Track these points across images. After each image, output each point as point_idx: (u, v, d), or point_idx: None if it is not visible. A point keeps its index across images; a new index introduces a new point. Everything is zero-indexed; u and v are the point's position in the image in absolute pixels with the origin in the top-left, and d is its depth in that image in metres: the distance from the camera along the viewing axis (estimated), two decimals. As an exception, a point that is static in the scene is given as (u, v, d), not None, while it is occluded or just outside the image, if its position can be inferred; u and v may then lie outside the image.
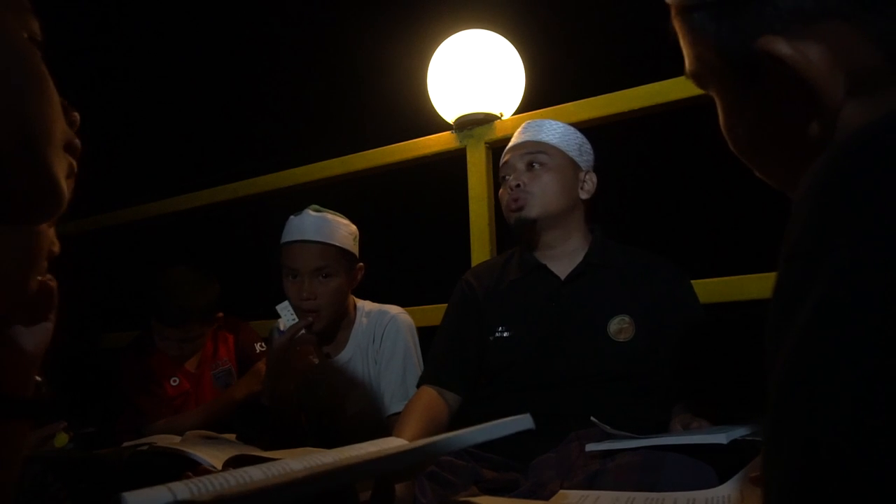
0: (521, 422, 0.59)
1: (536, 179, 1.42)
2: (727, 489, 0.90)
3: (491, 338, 1.42)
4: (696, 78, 0.57)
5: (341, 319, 1.72)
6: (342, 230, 1.66)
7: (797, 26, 0.47)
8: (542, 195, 1.41)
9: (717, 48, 0.52)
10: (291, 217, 1.67)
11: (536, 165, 1.43)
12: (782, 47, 0.47)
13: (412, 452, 0.49)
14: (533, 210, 1.41)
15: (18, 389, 0.84)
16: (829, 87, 0.46)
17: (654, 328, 1.34)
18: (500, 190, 1.49)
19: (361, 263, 1.73)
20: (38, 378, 0.87)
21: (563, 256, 1.44)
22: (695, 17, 0.53)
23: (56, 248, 0.82)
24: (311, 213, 1.64)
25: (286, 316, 1.55)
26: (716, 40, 0.52)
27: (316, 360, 1.58)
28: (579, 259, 1.43)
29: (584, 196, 1.46)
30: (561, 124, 1.49)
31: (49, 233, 0.80)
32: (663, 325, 1.35)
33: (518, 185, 1.42)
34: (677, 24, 0.56)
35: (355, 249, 1.70)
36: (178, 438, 1.61)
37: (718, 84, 0.55)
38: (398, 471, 0.64)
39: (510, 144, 1.52)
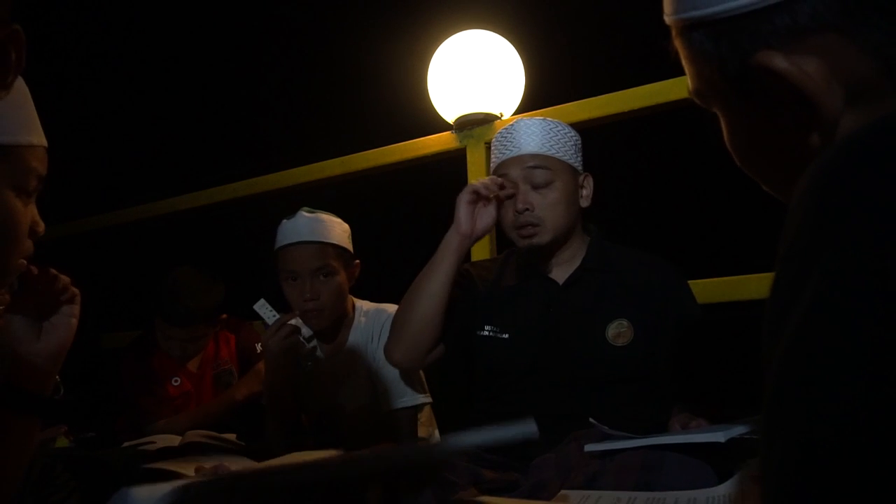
0: (524, 429, 0.59)
1: (543, 201, 1.36)
2: (727, 488, 0.90)
3: (480, 333, 1.41)
4: (699, 96, 0.58)
5: (341, 319, 1.73)
6: (337, 228, 1.67)
7: (793, 41, 0.48)
8: (552, 219, 1.36)
9: (716, 66, 0.53)
10: (284, 221, 1.66)
11: (540, 185, 1.36)
12: (779, 61, 0.48)
13: (414, 452, 0.49)
14: (545, 237, 1.37)
15: (38, 387, 0.85)
16: (828, 98, 0.47)
17: (652, 331, 1.34)
18: (502, 200, 1.41)
19: (358, 260, 1.74)
20: (57, 377, 0.88)
21: (562, 262, 1.43)
22: (694, 37, 0.53)
23: (41, 228, 0.83)
24: (304, 215, 1.65)
25: (265, 314, 1.56)
26: (715, 58, 0.52)
27: (307, 347, 1.59)
28: (577, 263, 1.42)
29: (584, 204, 1.43)
30: (550, 126, 1.39)
31: (28, 211, 0.80)
32: (661, 328, 1.34)
33: (527, 209, 1.36)
34: (678, 44, 0.57)
35: (351, 247, 1.71)
36: (178, 438, 1.61)
37: (720, 101, 0.56)
38: (403, 476, 0.64)
39: (502, 157, 1.41)
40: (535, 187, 1.36)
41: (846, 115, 0.47)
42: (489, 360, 1.41)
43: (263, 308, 1.57)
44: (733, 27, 0.50)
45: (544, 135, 1.38)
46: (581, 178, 1.42)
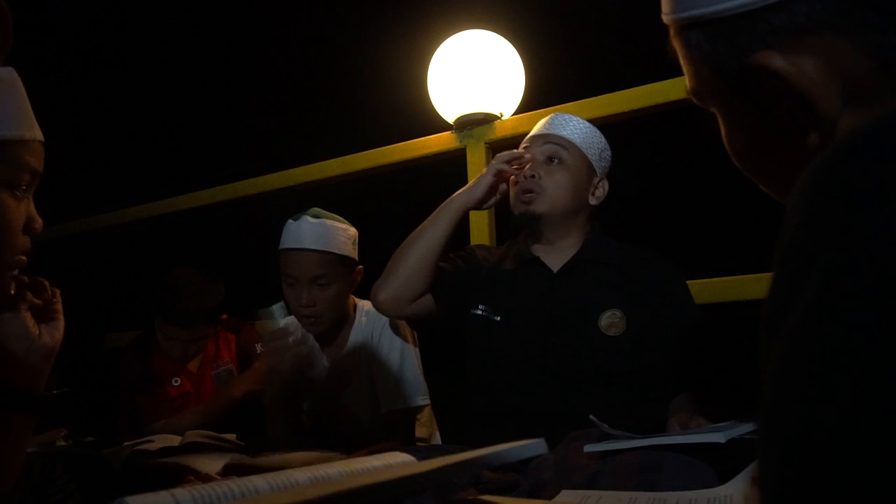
0: (535, 446, 0.59)
1: (551, 175, 1.42)
2: (729, 489, 0.90)
3: (474, 312, 1.44)
4: (697, 96, 0.58)
5: (342, 321, 1.73)
6: (340, 236, 1.64)
7: (790, 40, 0.48)
8: (553, 192, 1.41)
9: (714, 66, 0.53)
10: (289, 222, 1.64)
11: (555, 160, 1.43)
12: (777, 61, 0.48)
13: (424, 476, 0.48)
14: (541, 206, 1.41)
15: (31, 386, 0.85)
16: (826, 97, 0.47)
17: (645, 324, 1.34)
18: (510, 178, 1.47)
19: (360, 266, 1.72)
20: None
21: (559, 251, 1.45)
22: (691, 36, 0.54)
23: (38, 225, 0.83)
24: (309, 220, 1.62)
25: (278, 314, 1.54)
26: (712, 58, 0.52)
27: (307, 365, 1.57)
28: (573, 253, 1.44)
29: (593, 202, 1.47)
30: (587, 124, 1.48)
31: (22, 207, 0.79)
32: (655, 323, 1.35)
33: (533, 176, 1.41)
34: (676, 44, 0.57)
35: (354, 253, 1.68)
36: (178, 438, 1.61)
37: (718, 101, 0.56)
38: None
39: (533, 133, 1.51)
40: (548, 161, 1.43)
41: (845, 115, 0.47)
42: (481, 340, 1.42)
43: (281, 310, 1.55)
44: (731, 27, 0.50)
45: (575, 126, 1.47)
46: (597, 179, 1.47)
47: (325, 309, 1.62)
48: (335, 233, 1.63)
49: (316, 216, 1.64)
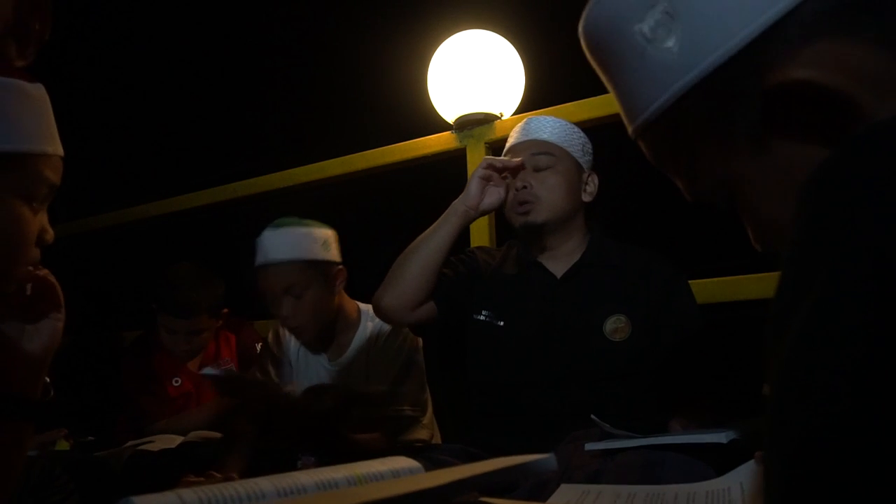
0: (544, 462, 0.59)
1: (543, 182, 1.41)
2: (727, 482, 0.90)
3: (476, 317, 1.43)
4: (704, 189, 0.56)
5: (334, 325, 1.71)
6: (307, 241, 1.59)
7: (798, 55, 0.47)
8: (549, 199, 1.40)
9: (723, 122, 0.51)
10: (257, 238, 1.61)
11: (543, 167, 1.42)
12: (800, 72, 0.46)
13: (432, 492, 0.48)
14: (540, 215, 1.40)
15: (26, 390, 0.84)
16: (862, 95, 0.45)
17: (649, 328, 1.34)
18: (514, 175, 1.46)
19: (341, 266, 1.67)
20: (46, 379, 0.87)
21: (562, 256, 1.45)
22: (690, 106, 0.52)
23: (49, 237, 0.83)
24: (267, 233, 1.58)
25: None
26: (721, 114, 0.51)
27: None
28: (577, 258, 1.43)
29: (586, 199, 1.46)
30: (563, 122, 1.48)
31: (37, 220, 0.80)
32: (658, 324, 1.35)
33: (525, 188, 1.40)
34: (662, 140, 0.55)
35: (330, 255, 1.63)
36: (178, 439, 1.61)
37: (734, 167, 0.53)
38: None
39: (512, 142, 1.50)
40: (537, 170, 1.42)
41: (881, 111, 0.45)
42: (483, 345, 1.42)
43: None
44: (732, 72, 0.49)
45: (553, 128, 1.46)
46: (585, 174, 1.47)
47: (306, 318, 1.59)
48: (299, 239, 1.58)
49: (278, 226, 1.59)
